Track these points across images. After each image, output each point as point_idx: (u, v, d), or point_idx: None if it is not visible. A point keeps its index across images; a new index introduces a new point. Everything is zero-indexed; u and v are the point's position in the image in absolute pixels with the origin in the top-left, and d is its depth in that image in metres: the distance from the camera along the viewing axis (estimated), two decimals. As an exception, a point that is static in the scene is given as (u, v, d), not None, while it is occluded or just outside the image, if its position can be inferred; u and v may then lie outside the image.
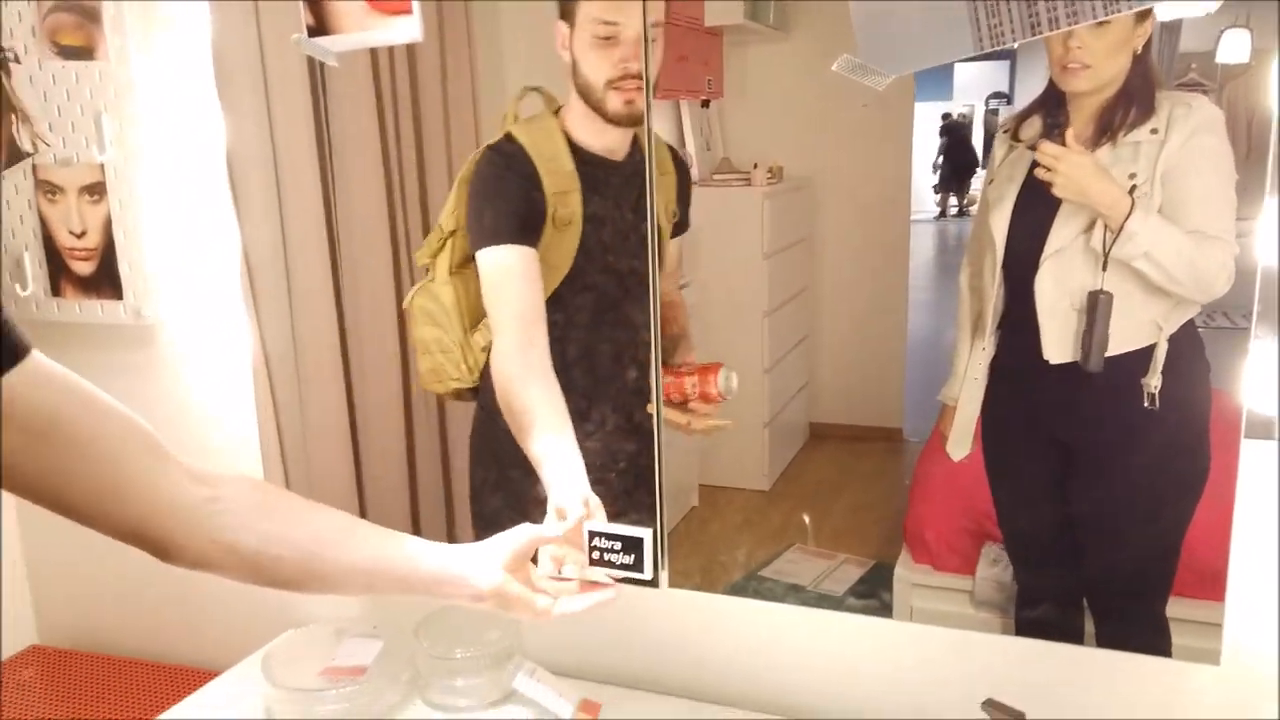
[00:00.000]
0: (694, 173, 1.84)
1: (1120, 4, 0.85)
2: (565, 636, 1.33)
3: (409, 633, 1.28)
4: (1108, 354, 1.10)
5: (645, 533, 0.88)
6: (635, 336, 1.23)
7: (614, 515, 0.94)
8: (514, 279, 1.15)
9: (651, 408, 1.21)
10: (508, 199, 1.15)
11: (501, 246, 1.15)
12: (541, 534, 0.90)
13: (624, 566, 0.90)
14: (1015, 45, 0.89)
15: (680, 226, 1.28)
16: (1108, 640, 1.13)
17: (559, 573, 0.91)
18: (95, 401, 0.71)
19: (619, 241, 1.20)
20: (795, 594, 1.36)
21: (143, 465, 0.72)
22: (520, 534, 0.89)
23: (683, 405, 1.19)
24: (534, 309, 1.15)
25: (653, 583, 0.90)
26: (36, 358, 0.67)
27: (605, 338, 1.26)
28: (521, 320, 1.14)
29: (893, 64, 0.95)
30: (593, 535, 0.91)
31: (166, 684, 1.46)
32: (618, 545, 0.90)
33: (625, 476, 1.26)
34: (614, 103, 1.11)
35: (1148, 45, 1.04)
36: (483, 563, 0.86)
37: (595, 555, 0.91)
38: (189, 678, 1.43)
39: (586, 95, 1.13)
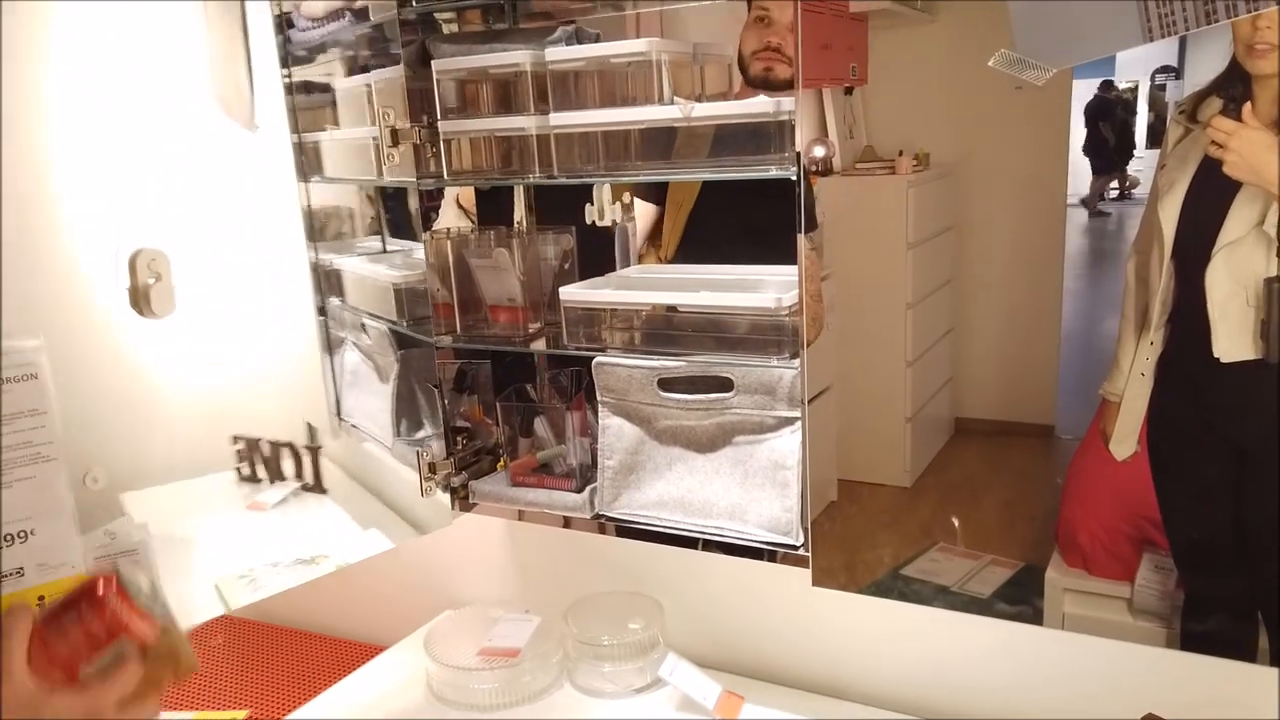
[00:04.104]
0: (835, 162, 1.82)
1: (1311, -11, 0.79)
2: (708, 629, 1.36)
3: (560, 616, 1.34)
4: (1286, 353, 1.03)
5: None
6: None
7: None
8: None
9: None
10: None
11: None
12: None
13: None
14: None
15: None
16: (1285, 658, 1.07)
17: None
18: None
19: None
20: (939, 595, 1.34)
21: None
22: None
23: None
24: None
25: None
26: None
27: None
28: None
29: (1054, 57, 0.91)
30: None
31: (337, 656, 1.58)
32: None
33: None
34: (755, 68, 1.29)
35: (1346, 21, 0.97)
36: None
37: None
38: (358, 651, 1.54)
39: (739, 63, 1.31)
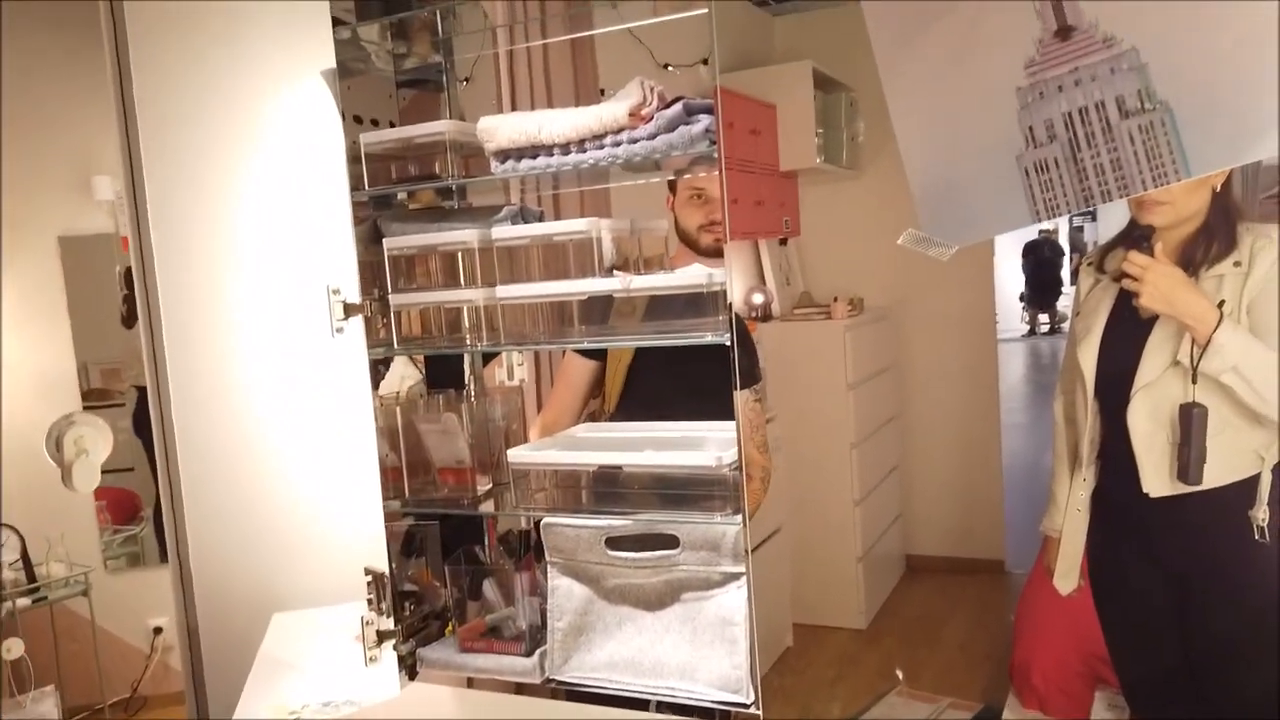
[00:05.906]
0: (775, 308, 1.89)
1: (1168, 177, 0.87)
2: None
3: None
4: (1209, 486, 1.05)
5: None
6: None
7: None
8: None
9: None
10: None
11: None
12: None
13: None
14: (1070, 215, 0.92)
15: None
16: (1236, 798, 1.06)
17: None
18: None
19: None
20: (899, 743, 1.33)
21: None
22: None
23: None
24: None
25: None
26: None
27: None
28: None
29: (954, 236, 0.99)
30: None
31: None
32: None
33: None
34: (705, 240, 1.36)
35: (1227, 183, 1.04)
36: None
37: None
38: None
39: (684, 237, 1.39)
